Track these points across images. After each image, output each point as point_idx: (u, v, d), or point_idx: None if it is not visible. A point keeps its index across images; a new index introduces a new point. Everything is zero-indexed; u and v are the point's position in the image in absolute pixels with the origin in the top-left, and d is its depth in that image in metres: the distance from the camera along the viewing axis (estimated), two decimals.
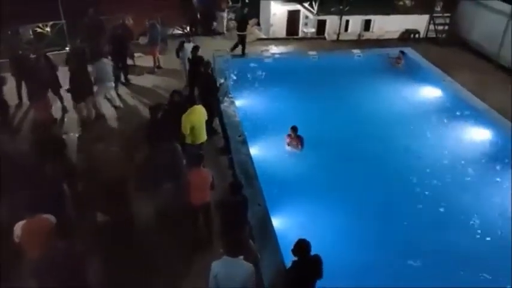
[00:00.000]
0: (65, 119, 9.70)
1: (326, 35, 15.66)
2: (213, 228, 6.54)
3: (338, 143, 9.37)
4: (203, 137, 7.95)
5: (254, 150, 8.96)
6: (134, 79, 11.87)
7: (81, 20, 12.36)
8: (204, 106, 8.97)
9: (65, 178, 6.21)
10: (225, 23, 15.79)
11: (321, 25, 15.67)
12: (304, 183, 8.26)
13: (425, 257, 6.89)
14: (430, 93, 12.18)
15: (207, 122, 8.27)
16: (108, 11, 13.88)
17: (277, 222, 7.04)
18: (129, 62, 12.27)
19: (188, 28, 15.81)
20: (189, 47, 10.44)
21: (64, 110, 9.90)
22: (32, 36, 13.54)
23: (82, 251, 5.15)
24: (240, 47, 13.19)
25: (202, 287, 5.13)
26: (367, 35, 15.63)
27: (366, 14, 15.42)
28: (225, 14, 15.70)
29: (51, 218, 5.25)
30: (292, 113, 10.47)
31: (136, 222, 5.42)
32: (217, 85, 10.09)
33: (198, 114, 7.76)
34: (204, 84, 9.37)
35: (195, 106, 7.75)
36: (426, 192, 8.33)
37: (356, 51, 13.81)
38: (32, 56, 9.79)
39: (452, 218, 7.78)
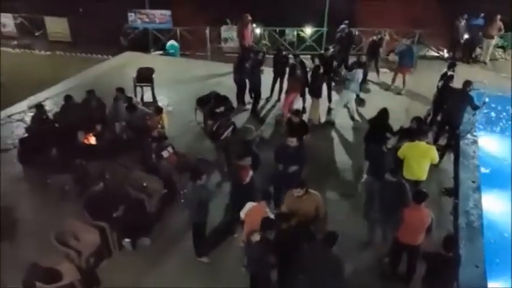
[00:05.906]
0: None
1: None
2: (414, 275, 5.97)
3: None
4: (418, 176, 7.02)
5: (487, 203, 7.78)
6: (374, 94, 11.78)
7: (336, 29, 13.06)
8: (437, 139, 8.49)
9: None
10: (489, 52, 14.03)
11: None
12: None
13: None
14: None
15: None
16: (367, 23, 14.26)
17: None
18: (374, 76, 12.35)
19: (446, 51, 14.74)
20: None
21: (303, 110, 10.50)
22: (294, 39, 15.10)
23: None
24: None
25: None
26: None
27: None
28: (492, 42, 13.90)
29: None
30: None
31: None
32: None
33: (417, 152, 6.93)
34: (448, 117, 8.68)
35: (419, 143, 6.98)
36: None
37: None
38: (290, 57, 10.83)
39: None
